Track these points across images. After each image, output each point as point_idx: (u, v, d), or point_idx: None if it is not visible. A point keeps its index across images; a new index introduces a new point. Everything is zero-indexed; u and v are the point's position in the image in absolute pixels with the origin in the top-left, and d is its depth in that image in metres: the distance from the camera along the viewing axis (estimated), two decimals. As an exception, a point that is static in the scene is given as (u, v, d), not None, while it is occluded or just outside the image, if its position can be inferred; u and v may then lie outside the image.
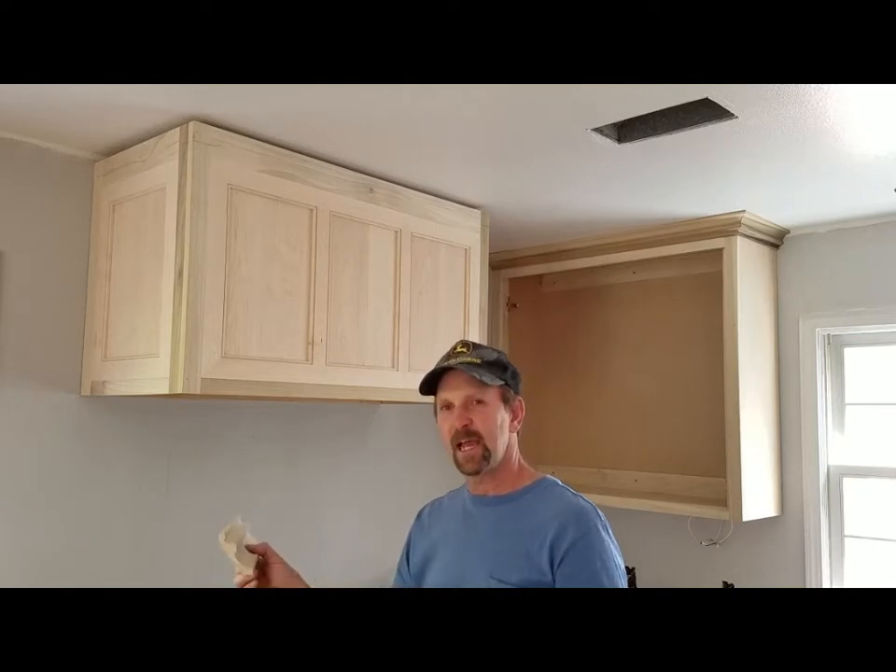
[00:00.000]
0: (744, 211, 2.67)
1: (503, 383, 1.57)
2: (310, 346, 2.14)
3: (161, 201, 1.98)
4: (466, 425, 1.54)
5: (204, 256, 1.92)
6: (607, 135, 2.01)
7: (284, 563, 1.60)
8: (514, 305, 3.44)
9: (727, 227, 2.73)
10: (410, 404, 2.60)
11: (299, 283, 2.12)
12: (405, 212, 2.42)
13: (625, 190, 2.48)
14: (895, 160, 2.15)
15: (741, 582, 2.94)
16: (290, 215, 2.11)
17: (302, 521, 2.62)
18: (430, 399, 1.63)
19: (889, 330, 2.75)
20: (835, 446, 2.85)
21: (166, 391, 1.91)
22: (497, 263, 3.30)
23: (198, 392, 1.90)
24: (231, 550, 1.53)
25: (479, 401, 1.55)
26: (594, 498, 1.61)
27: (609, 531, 1.52)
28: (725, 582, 2.98)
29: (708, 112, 1.86)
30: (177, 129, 1.95)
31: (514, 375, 1.63)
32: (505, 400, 1.59)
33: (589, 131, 1.98)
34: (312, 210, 2.16)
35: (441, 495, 1.77)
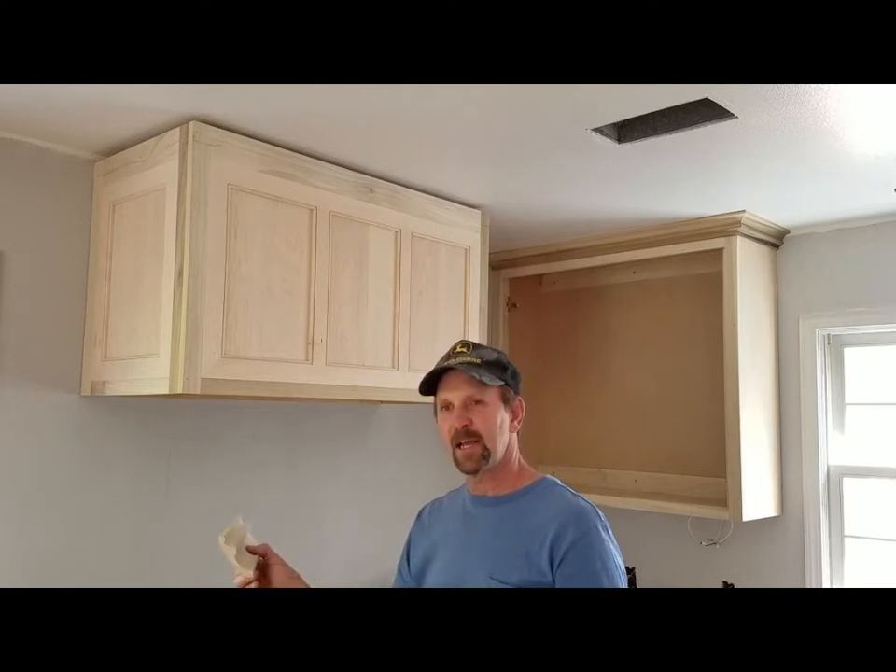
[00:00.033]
0: (744, 211, 2.67)
1: (503, 383, 1.57)
2: (310, 346, 2.14)
3: (161, 201, 1.98)
4: (465, 425, 1.54)
5: (204, 256, 1.92)
6: (607, 135, 2.01)
7: (284, 564, 1.59)
8: (514, 305, 3.44)
9: (727, 227, 2.73)
10: (410, 404, 2.61)
11: (299, 283, 2.12)
12: (405, 212, 2.42)
13: (625, 190, 2.48)
14: (895, 160, 2.15)
15: (741, 582, 2.94)
16: (290, 215, 2.11)
17: (302, 521, 2.62)
18: (430, 399, 1.63)
19: (889, 330, 2.75)
20: (835, 446, 2.85)
21: (166, 391, 1.91)
22: (497, 263, 3.30)
23: (198, 392, 1.90)
24: (231, 552, 1.52)
25: (478, 401, 1.55)
26: (594, 498, 1.61)
27: (609, 531, 1.52)
28: (725, 582, 2.98)
29: (708, 112, 1.86)
30: (177, 129, 1.95)
31: (514, 375, 1.63)
32: (505, 400, 1.59)
33: (589, 131, 1.98)
34: (312, 210, 2.16)
35: (441, 495, 1.77)
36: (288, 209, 2.11)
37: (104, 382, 2.10)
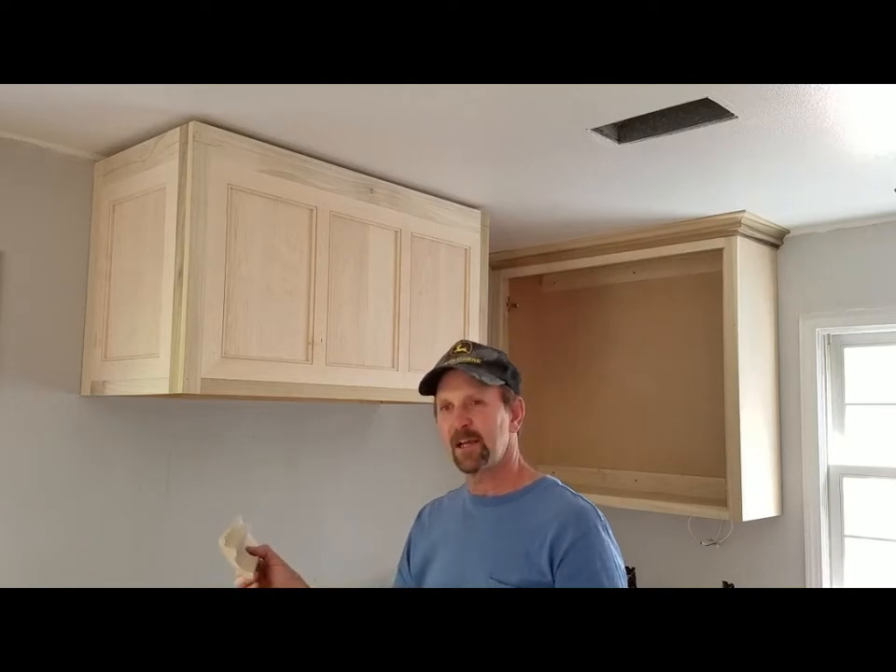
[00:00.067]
0: (744, 211, 2.67)
1: (503, 383, 1.57)
2: (310, 346, 2.14)
3: (161, 201, 1.98)
4: (465, 425, 1.54)
5: (204, 256, 1.92)
6: (607, 135, 2.01)
7: (284, 564, 1.60)
8: (514, 305, 3.44)
9: (727, 227, 2.73)
10: (410, 404, 2.60)
11: (299, 283, 2.12)
12: (405, 212, 2.42)
13: (625, 190, 2.48)
14: (895, 160, 2.15)
15: (741, 582, 2.94)
16: (290, 215, 2.11)
17: (302, 521, 2.62)
18: (430, 399, 1.63)
19: (889, 330, 2.75)
20: (835, 446, 2.85)
21: (166, 391, 1.91)
22: (497, 263, 3.30)
23: (198, 392, 1.90)
24: (231, 554, 1.52)
25: (478, 401, 1.55)
26: (594, 498, 1.61)
27: (609, 531, 1.52)
28: (725, 582, 2.98)
29: (708, 112, 1.86)
30: (177, 129, 1.95)
31: (514, 375, 1.63)
32: (505, 400, 1.59)
33: (589, 131, 1.98)
34: (312, 210, 2.16)
35: (441, 495, 1.77)
36: (288, 209, 2.11)
37: (104, 382, 2.10)
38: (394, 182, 2.39)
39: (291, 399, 2.38)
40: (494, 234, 2.83)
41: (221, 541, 1.52)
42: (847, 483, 2.82)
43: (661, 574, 3.14)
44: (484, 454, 1.54)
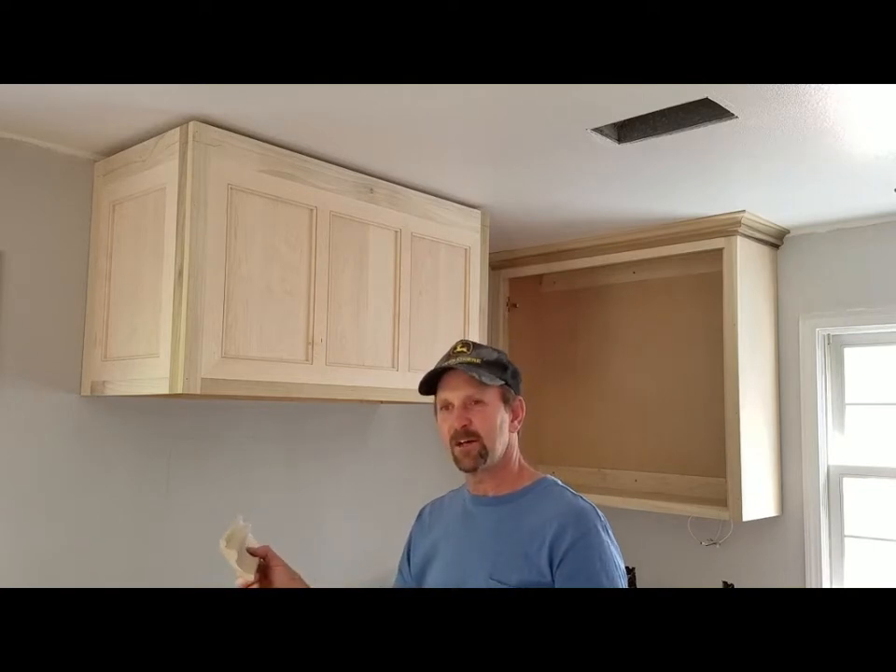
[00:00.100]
0: (744, 211, 2.67)
1: (503, 383, 1.57)
2: (310, 346, 2.14)
3: (161, 201, 1.98)
4: (465, 425, 1.54)
5: (204, 256, 1.92)
6: (607, 135, 2.01)
7: (285, 565, 1.60)
8: (514, 305, 3.44)
9: (727, 227, 2.73)
10: (410, 404, 2.61)
11: (299, 283, 2.12)
12: (405, 212, 2.42)
13: (625, 190, 2.48)
14: (895, 160, 2.15)
15: (741, 582, 2.94)
16: (290, 215, 2.11)
17: (302, 521, 2.62)
18: (430, 398, 1.63)
19: (889, 330, 2.75)
20: (835, 446, 2.85)
21: (166, 391, 1.91)
22: (497, 263, 3.30)
23: (198, 392, 1.90)
24: (232, 556, 1.51)
25: (478, 401, 1.55)
26: (594, 498, 1.61)
27: (609, 532, 1.52)
28: (725, 582, 2.98)
29: (708, 112, 1.86)
30: (177, 129, 1.95)
31: (515, 375, 1.63)
32: (505, 400, 1.59)
33: (589, 131, 1.98)
34: (312, 210, 2.16)
35: (442, 494, 1.77)
36: (288, 209, 2.11)
37: (104, 382, 2.10)
38: (394, 182, 2.39)
39: (291, 399, 2.38)
40: (494, 234, 2.83)
41: (222, 543, 1.51)
42: (847, 482, 2.82)
43: (661, 574, 3.14)
44: (483, 453, 1.54)
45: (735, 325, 2.72)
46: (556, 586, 1.44)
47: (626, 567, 1.60)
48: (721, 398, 2.77)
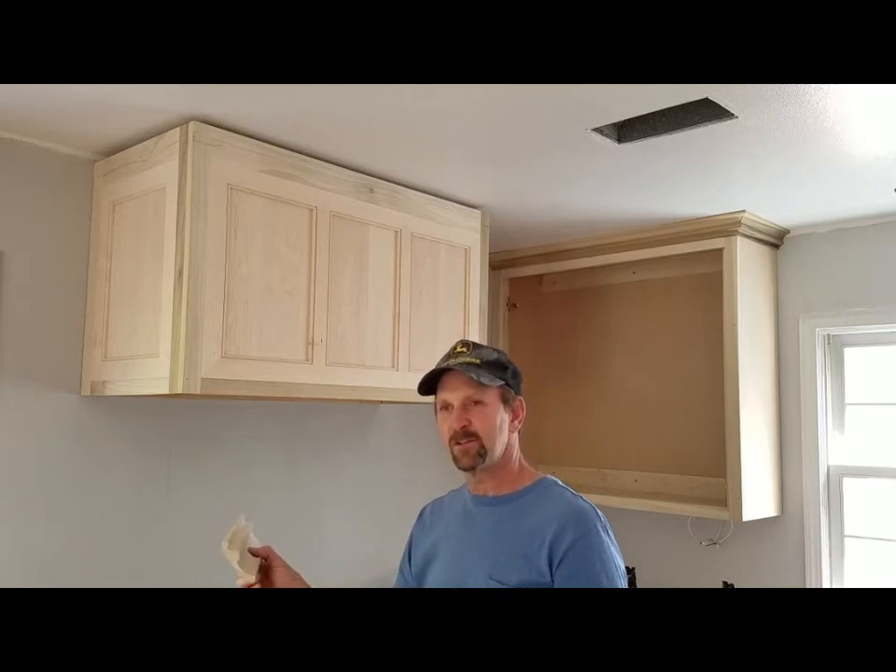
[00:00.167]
0: (744, 211, 2.67)
1: (503, 383, 1.57)
2: (310, 346, 2.14)
3: (161, 201, 1.98)
4: (464, 426, 1.54)
5: (204, 256, 1.92)
6: (607, 135, 2.01)
7: (286, 566, 1.60)
8: (514, 305, 3.44)
9: (727, 227, 2.73)
10: (410, 404, 2.60)
11: (299, 283, 2.12)
12: (405, 212, 2.42)
13: (625, 190, 2.48)
14: (895, 160, 2.15)
15: (741, 582, 2.94)
16: (290, 215, 2.11)
17: (302, 521, 2.62)
18: (430, 399, 1.63)
19: (889, 330, 2.75)
20: (835, 446, 2.85)
21: (166, 391, 1.91)
22: (497, 263, 3.30)
23: (198, 392, 1.90)
24: (234, 558, 1.51)
25: (477, 402, 1.55)
26: (593, 498, 1.61)
27: (609, 532, 1.52)
28: (725, 582, 2.98)
29: (708, 112, 1.86)
30: (177, 129, 1.95)
31: (515, 375, 1.62)
32: (505, 401, 1.59)
33: (589, 131, 1.98)
34: (312, 210, 2.16)
35: (442, 494, 1.77)
36: (288, 209, 2.11)
37: (104, 382, 2.10)
38: (394, 182, 2.39)
39: (291, 399, 2.38)
40: (494, 234, 2.83)
41: (224, 545, 1.51)
42: (847, 482, 2.82)
43: (661, 574, 3.14)
44: (482, 452, 1.54)
45: (735, 325, 2.72)
46: (556, 586, 1.44)
47: (626, 567, 1.60)
48: (721, 398, 2.77)
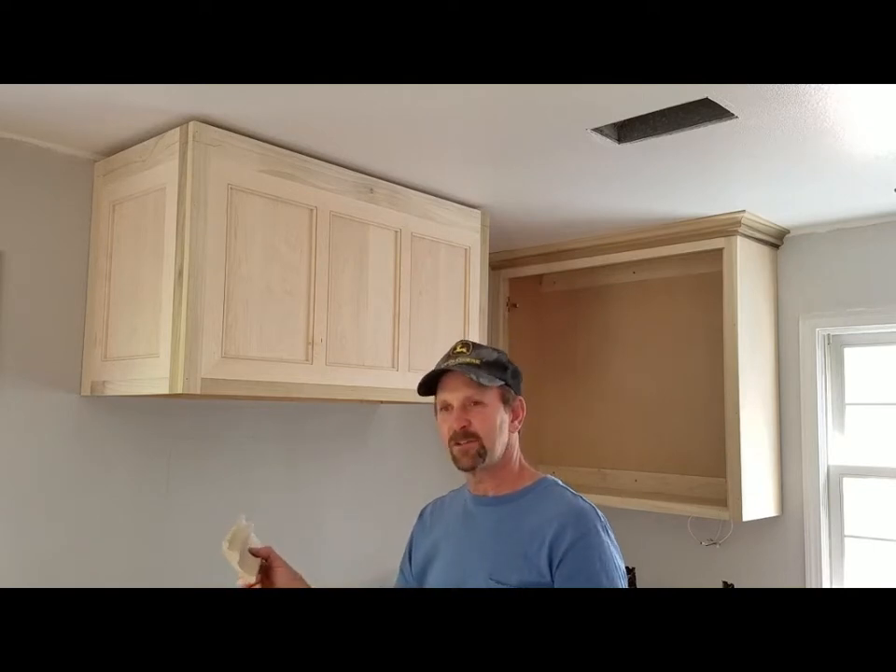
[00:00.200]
0: (744, 211, 2.67)
1: (503, 383, 1.57)
2: (310, 346, 2.14)
3: (161, 201, 1.98)
4: (464, 426, 1.54)
5: (204, 256, 1.92)
6: (607, 135, 2.01)
7: (287, 566, 1.60)
8: (514, 305, 3.44)
9: (727, 227, 2.73)
10: (410, 404, 2.60)
11: (299, 283, 2.12)
12: (405, 212, 2.42)
13: (625, 190, 2.48)
14: (895, 160, 2.15)
15: (741, 582, 2.94)
16: (290, 215, 2.11)
17: (302, 521, 2.62)
18: (430, 399, 1.63)
19: (889, 330, 2.75)
20: (835, 446, 2.85)
21: (166, 391, 1.91)
22: (497, 263, 3.30)
23: (198, 392, 1.90)
24: (234, 558, 1.51)
25: (477, 402, 1.55)
26: (593, 498, 1.61)
27: (609, 532, 1.52)
28: (725, 582, 2.98)
29: (708, 112, 1.86)
30: (177, 129, 1.95)
31: (515, 375, 1.62)
32: (505, 401, 1.59)
33: (589, 131, 1.98)
34: (312, 210, 2.16)
35: (442, 494, 1.77)
36: (288, 209, 2.11)
37: (104, 382, 2.10)
38: (394, 182, 2.39)
39: (291, 399, 2.38)
40: (494, 234, 2.83)
41: (225, 545, 1.51)
42: (847, 482, 2.82)
43: (661, 574, 3.14)
44: (482, 452, 1.54)
45: (735, 325, 2.72)
46: (556, 586, 1.44)
47: (626, 567, 1.60)
48: (721, 398, 2.77)
